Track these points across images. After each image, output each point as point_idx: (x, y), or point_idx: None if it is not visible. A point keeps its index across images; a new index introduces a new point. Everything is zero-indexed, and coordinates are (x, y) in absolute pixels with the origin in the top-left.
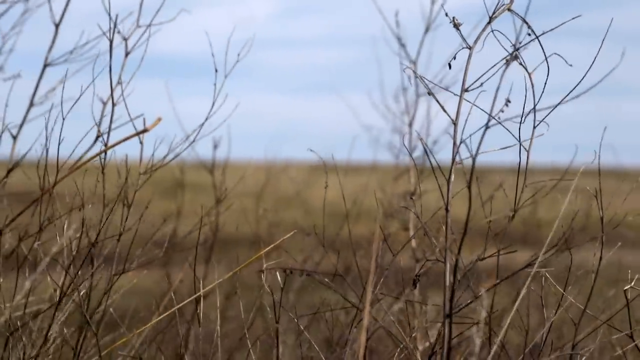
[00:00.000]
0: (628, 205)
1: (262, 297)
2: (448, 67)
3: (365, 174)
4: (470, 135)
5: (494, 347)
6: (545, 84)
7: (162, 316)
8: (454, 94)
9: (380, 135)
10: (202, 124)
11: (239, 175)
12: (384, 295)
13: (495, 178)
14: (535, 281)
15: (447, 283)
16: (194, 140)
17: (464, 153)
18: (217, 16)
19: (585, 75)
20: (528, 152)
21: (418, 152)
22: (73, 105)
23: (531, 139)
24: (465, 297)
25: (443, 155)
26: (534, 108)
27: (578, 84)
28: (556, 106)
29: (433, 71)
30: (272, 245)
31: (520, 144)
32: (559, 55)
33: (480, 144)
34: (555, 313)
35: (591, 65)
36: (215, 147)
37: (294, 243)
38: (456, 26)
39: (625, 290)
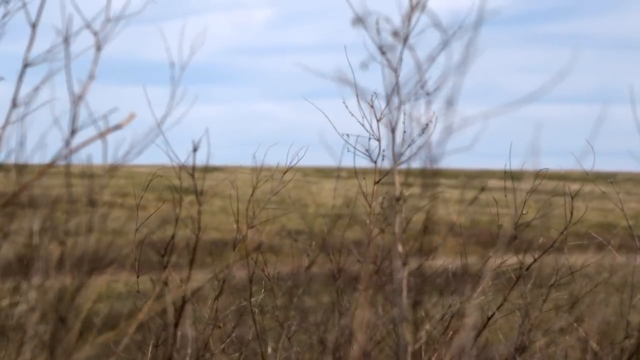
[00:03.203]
0: (617, 208)
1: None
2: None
3: (354, 179)
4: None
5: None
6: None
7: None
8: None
9: (360, 141)
10: (162, 120)
11: (231, 179)
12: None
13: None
14: (525, 284)
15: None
16: (155, 137)
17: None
18: (217, 22)
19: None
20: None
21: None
22: (43, 104)
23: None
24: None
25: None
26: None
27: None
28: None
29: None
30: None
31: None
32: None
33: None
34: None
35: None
36: (195, 150)
37: (285, 246)
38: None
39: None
